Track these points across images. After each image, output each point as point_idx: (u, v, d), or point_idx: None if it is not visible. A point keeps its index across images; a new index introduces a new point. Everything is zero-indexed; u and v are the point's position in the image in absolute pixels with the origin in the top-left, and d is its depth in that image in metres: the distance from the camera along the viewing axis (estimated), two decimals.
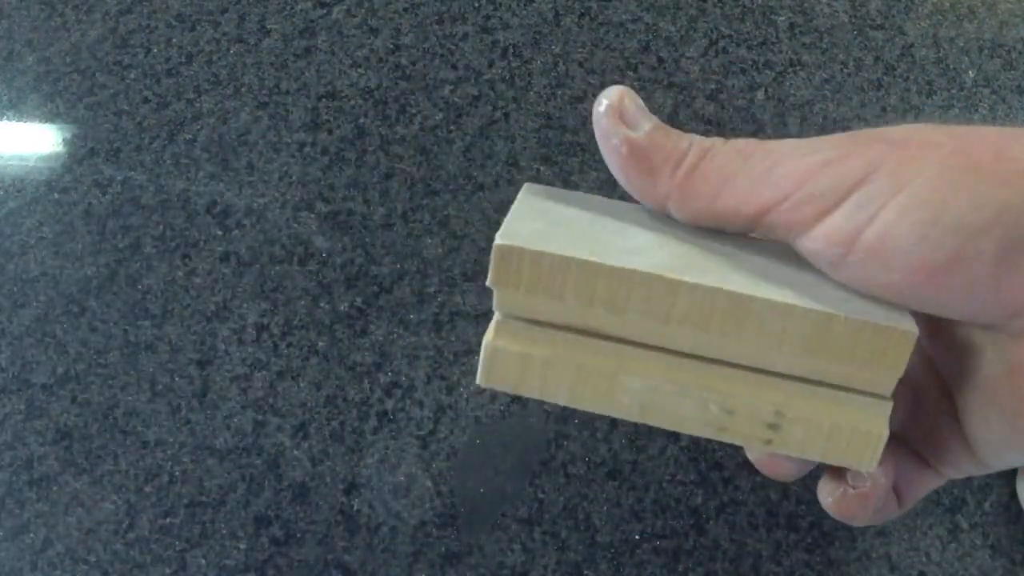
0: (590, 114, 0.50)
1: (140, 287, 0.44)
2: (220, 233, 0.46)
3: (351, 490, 0.39)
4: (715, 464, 0.41)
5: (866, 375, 0.23)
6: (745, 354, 0.24)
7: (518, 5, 0.54)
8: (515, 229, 0.24)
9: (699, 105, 0.49)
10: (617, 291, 0.23)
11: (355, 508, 0.39)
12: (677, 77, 0.50)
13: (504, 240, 0.23)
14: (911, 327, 0.23)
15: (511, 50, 0.52)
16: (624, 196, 0.28)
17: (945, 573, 0.39)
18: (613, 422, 0.41)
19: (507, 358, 0.24)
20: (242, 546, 0.38)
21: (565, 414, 0.41)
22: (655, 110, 0.49)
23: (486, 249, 0.45)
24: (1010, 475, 0.40)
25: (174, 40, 0.53)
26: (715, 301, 0.23)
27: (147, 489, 0.39)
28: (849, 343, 0.23)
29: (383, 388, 0.41)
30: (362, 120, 0.50)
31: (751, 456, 0.28)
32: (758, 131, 0.49)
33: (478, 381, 0.25)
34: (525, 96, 0.50)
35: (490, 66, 0.52)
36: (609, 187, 0.47)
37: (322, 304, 0.44)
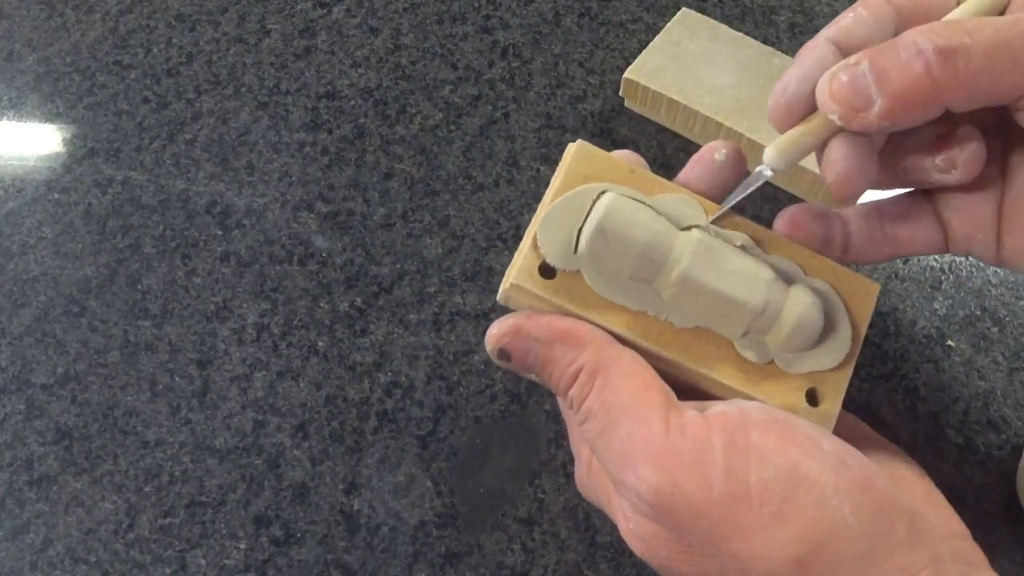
0: (590, 114, 0.50)
1: (140, 287, 0.44)
2: (220, 233, 0.46)
3: (351, 490, 0.39)
4: None
5: None
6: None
7: (518, 5, 0.54)
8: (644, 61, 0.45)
9: None
10: (688, 119, 0.47)
11: (355, 508, 0.39)
12: None
13: (630, 75, 0.44)
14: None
15: (511, 50, 0.52)
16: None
17: None
18: None
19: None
20: (242, 546, 0.38)
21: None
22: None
23: (486, 249, 0.45)
24: (1010, 475, 0.40)
25: (174, 40, 0.53)
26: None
27: (147, 489, 0.39)
28: None
29: (383, 388, 0.41)
30: (362, 120, 0.50)
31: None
32: None
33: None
34: (525, 96, 0.50)
35: (490, 66, 0.52)
36: None
37: (322, 304, 0.44)
